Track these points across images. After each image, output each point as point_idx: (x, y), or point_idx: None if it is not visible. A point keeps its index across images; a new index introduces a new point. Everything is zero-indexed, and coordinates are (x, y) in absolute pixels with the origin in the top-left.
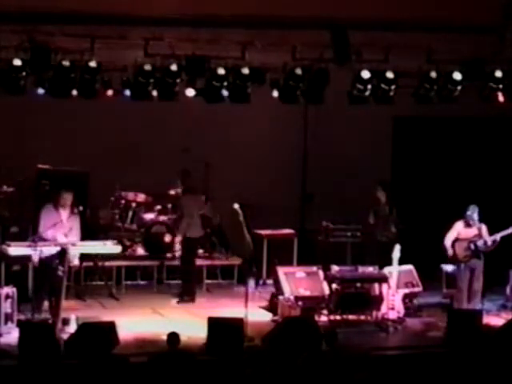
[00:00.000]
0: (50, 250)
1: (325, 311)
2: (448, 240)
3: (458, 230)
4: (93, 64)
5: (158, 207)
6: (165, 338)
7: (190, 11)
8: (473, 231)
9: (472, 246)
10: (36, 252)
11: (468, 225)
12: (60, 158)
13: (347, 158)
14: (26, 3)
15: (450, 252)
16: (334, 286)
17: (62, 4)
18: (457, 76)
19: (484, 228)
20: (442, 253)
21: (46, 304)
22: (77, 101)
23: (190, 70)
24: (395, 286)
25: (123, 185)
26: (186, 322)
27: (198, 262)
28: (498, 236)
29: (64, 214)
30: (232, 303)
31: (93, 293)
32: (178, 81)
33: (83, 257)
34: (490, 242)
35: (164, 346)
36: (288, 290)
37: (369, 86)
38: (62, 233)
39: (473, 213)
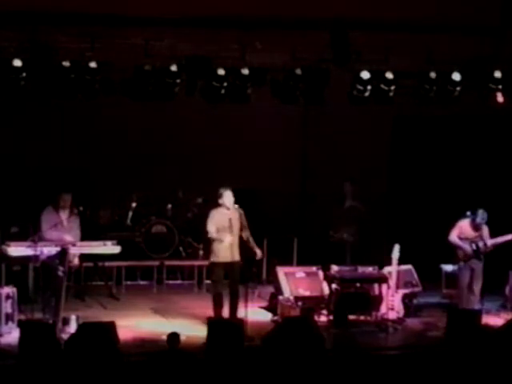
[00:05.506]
0: (50, 251)
1: (324, 311)
2: (453, 236)
3: (462, 228)
4: (93, 64)
5: (158, 207)
6: (165, 337)
7: (189, 11)
8: (476, 232)
9: (474, 246)
10: (37, 253)
11: (476, 229)
12: (60, 158)
13: (347, 158)
14: (25, 3)
15: (465, 246)
16: (334, 286)
17: (62, 4)
18: (456, 76)
19: (486, 229)
20: (442, 253)
21: None
22: (77, 101)
23: (190, 71)
24: (395, 286)
25: (123, 185)
26: (185, 322)
27: (198, 262)
28: (499, 240)
29: (64, 215)
30: None
31: (93, 293)
32: (178, 81)
33: (83, 257)
34: (489, 244)
35: (164, 345)
36: (288, 290)
37: (369, 87)
38: (62, 234)
39: (483, 219)
